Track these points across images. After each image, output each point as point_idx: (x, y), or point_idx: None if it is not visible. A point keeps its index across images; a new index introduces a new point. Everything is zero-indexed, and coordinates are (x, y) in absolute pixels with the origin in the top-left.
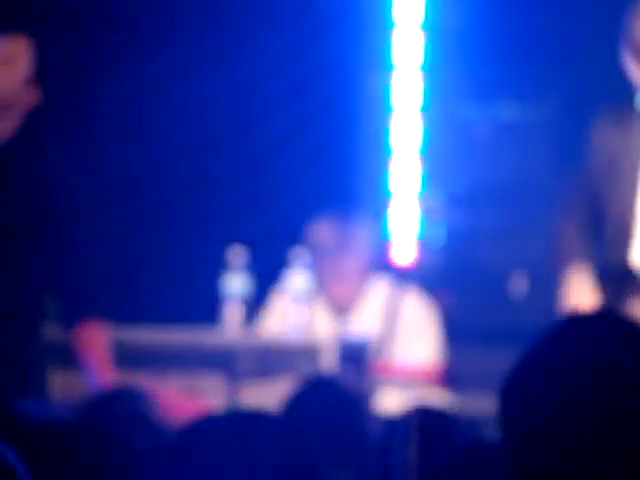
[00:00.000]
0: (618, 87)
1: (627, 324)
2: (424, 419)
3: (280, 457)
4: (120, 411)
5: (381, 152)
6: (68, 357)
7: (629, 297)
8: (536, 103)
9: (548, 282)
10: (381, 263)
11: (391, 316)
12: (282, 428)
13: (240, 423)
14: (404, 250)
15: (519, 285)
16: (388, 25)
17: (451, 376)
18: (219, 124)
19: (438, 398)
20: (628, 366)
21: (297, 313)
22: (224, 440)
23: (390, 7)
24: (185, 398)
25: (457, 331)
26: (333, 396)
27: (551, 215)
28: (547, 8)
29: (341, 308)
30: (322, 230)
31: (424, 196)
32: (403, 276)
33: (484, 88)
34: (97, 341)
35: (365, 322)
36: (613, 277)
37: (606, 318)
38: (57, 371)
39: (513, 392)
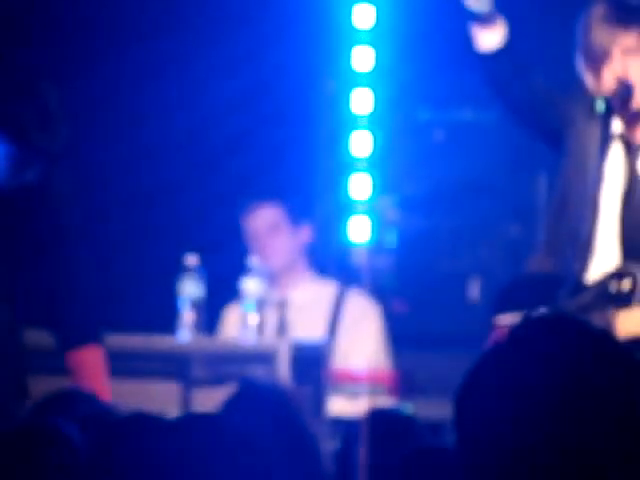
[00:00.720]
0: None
1: (580, 327)
2: (378, 422)
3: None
4: (64, 412)
5: (337, 156)
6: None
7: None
8: (492, 106)
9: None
10: (334, 267)
11: (339, 321)
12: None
13: (189, 426)
14: (358, 254)
15: (475, 289)
16: (345, 30)
17: (405, 381)
18: (173, 128)
19: (391, 405)
20: (583, 371)
21: (251, 319)
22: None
23: (347, 12)
24: None
25: (411, 336)
26: (273, 399)
27: (506, 217)
28: (503, 15)
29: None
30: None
31: (379, 200)
32: (355, 280)
33: (441, 91)
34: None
35: (314, 326)
36: (569, 288)
37: (556, 322)
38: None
39: (468, 397)
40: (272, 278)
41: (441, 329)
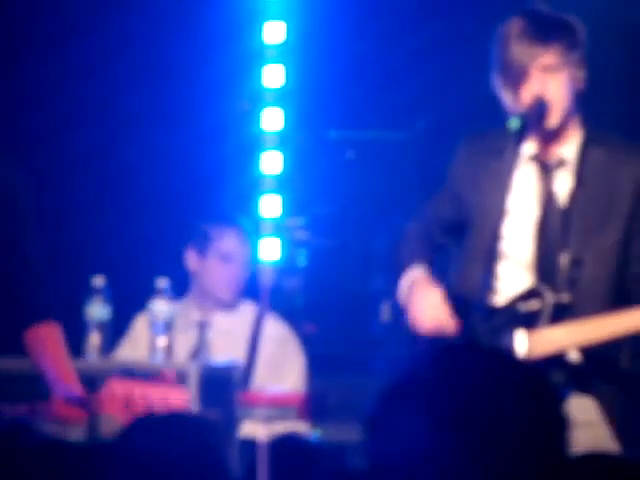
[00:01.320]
0: (488, 110)
1: (486, 353)
2: (287, 448)
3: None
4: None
5: (247, 175)
6: None
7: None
8: (403, 126)
9: None
10: (249, 288)
11: (254, 344)
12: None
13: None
14: (268, 275)
15: (387, 310)
16: (255, 47)
17: (316, 405)
18: (76, 145)
19: (302, 428)
20: (488, 397)
21: (159, 341)
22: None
23: (258, 29)
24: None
25: (321, 359)
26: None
27: None
28: (415, 35)
29: (225, 304)
30: (230, 238)
31: (289, 219)
32: (267, 302)
33: (352, 110)
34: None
35: (234, 349)
36: (481, 311)
37: (465, 348)
38: None
39: (378, 421)
40: (208, 301)
41: (352, 351)
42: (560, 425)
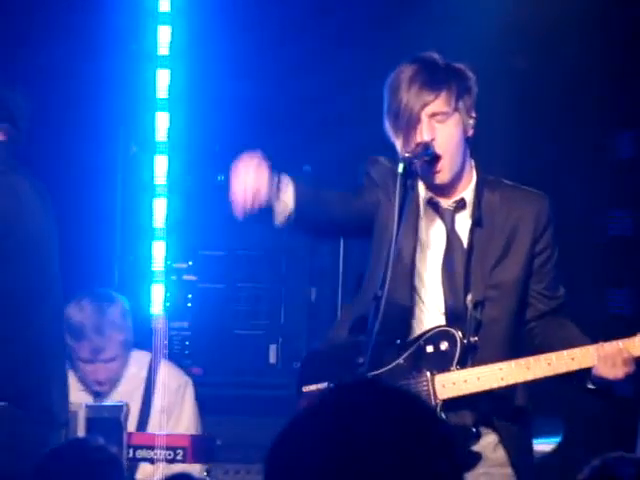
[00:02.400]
0: (376, 154)
1: (383, 392)
2: None
3: None
4: None
5: (136, 223)
6: None
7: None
8: (290, 170)
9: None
10: (139, 335)
11: (148, 391)
12: None
13: None
14: (160, 321)
15: (274, 352)
16: (146, 95)
17: (206, 447)
18: None
19: (194, 469)
20: (384, 437)
21: None
22: None
23: (151, 77)
24: None
25: (209, 401)
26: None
27: (305, 281)
28: (301, 81)
29: (99, 390)
30: (80, 312)
31: (177, 265)
32: (157, 348)
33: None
34: None
35: (123, 394)
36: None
37: (362, 387)
38: None
39: (276, 461)
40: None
41: (240, 392)
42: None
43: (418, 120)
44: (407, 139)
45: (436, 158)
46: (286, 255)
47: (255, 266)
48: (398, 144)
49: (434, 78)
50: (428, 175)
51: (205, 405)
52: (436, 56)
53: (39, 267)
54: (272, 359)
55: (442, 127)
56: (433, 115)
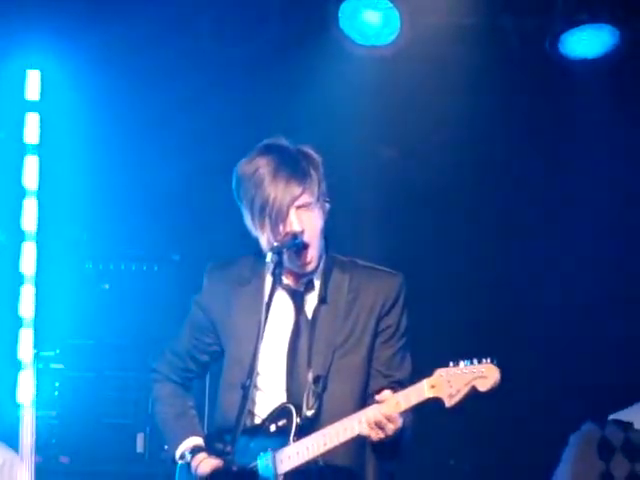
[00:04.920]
0: (242, 242)
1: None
2: None
3: None
4: None
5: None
6: None
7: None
8: (158, 259)
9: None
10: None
11: None
12: None
13: None
14: (24, 411)
15: (141, 441)
16: (13, 184)
17: None
18: None
19: None
20: None
21: None
22: None
23: (19, 165)
24: None
25: None
26: None
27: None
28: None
29: None
30: None
31: (43, 354)
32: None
33: (108, 244)
34: None
35: None
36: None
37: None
38: None
39: None
40: None
41: None
42: None
43: (287, 214)
44: (274, 231)
45: (304, 247)
46: (153, 345)
47: (123, 355)
48: (263, 237)
49: (297, 170)
50: (296, 264)
51: None
52: (284, 141)
53: None
54: (140, 448)
55: (308, 217)
56: (299, 207)
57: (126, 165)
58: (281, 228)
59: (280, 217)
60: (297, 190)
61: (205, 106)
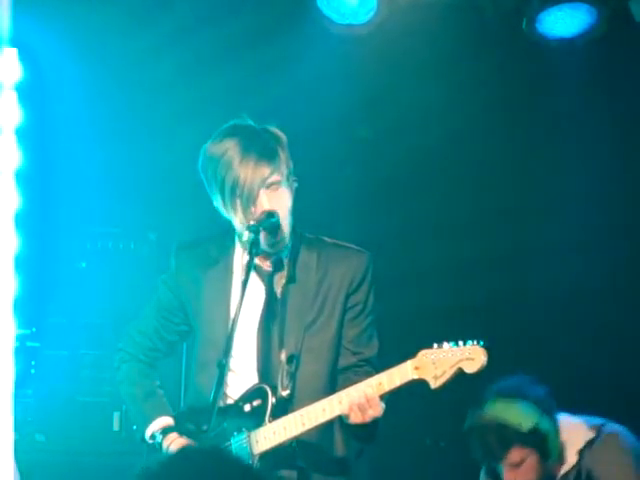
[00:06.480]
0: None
1: (206, 455)
2: None
3: None
4: None
5: None
6: None
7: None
8: (135, 237)
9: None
10: None
11: None
12: None
13: None
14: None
15: (117, 420)
16: None
17: None
18: None
19: None
20: None
21: None
22: None
23: None
24: None
25: (52, 468)
26: None
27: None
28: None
29: None
30: None
31: (19, 331)
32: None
33: (85, 219)
34: None
35: None
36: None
37: (191, 452)
38: None
39: None
40: None
41: (84, 460)
42: None
43: (258, 194)
44: (245, 212)
45: (277, 226)
46: (129, 323)
47: (100, 333)
48: (235, 218)
49: (266, 150)
50: (269, 243)
51: (48, 472)
52: (250, 121)
53: None
54: (116, 426)
55: (278, 196)
56: (269, 186)
57: (103, 143)
58: (252, 209)
59: (251, 198)
60: (266, 170)
61: (183, 86)
